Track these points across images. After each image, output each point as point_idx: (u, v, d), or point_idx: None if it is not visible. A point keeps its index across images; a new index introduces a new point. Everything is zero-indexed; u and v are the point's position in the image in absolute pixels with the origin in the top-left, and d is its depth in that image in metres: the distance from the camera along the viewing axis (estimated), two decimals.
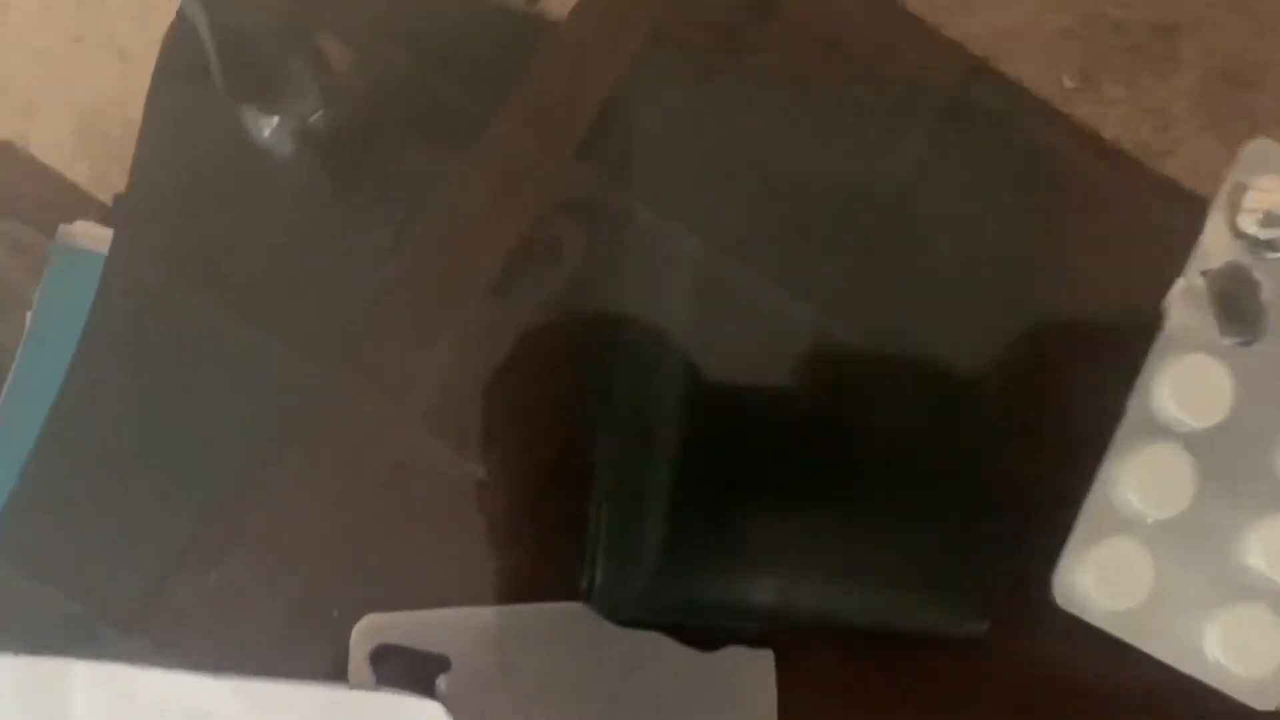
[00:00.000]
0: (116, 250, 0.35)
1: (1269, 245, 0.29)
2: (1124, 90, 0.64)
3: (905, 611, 0.28)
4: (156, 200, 0.33)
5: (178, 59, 0.31)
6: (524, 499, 0.29)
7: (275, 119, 0.29)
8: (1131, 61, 0.68)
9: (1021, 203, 0.30)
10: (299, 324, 0.31)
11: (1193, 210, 0.31)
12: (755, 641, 0.29)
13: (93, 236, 0.50)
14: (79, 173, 0.64)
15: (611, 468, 0.27)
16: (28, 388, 0.50)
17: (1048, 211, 0.30)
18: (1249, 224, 0.29)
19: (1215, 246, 0.30)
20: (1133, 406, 0.30)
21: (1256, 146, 0.30)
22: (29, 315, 0.49)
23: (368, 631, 0.28)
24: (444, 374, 0.30)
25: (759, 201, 0.29)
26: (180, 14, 0.31)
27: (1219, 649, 0.29)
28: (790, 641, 0.29)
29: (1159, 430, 0.29)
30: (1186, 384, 0.29)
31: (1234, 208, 0.30)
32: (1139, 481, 0.29)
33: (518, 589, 0.29)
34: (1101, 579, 0.29)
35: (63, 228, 0.51)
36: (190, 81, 0.30)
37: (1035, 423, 0.29)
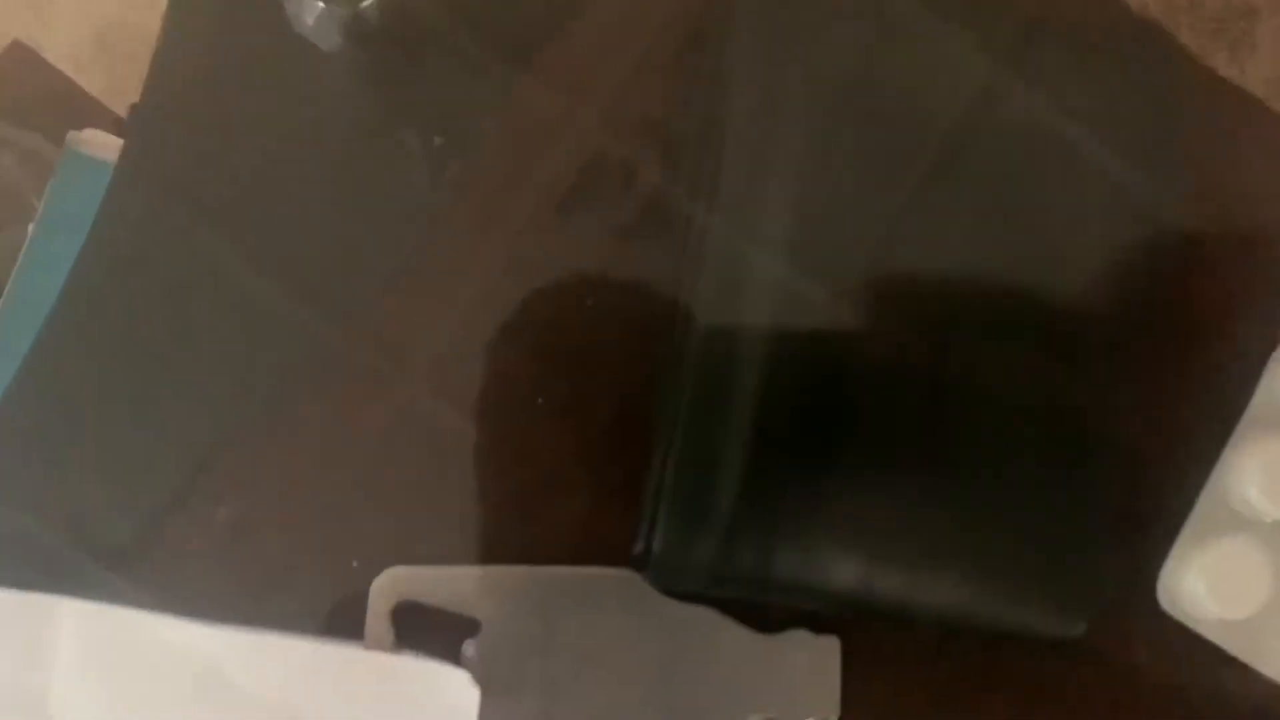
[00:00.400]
0: (124, 166, 0.31)
1: None
2: None
3: (997, 606, 0.24)
4: (174, 109, 0.30)
5: None
6: (574, 452, 0.26)
7: (322, 3, 0.26)
8: (1207, 43, 0.64)
9: (1150, 142, 0.26)
10: (315, 262, 0.28)
11: None
12: (821, 627, 0.25)
13: (103, 145, 0.47)
14: (93, 81, 0.61)
15: (680, 422, 0.24)
16: (26, 298, 0.48)
17: (1174, 152, 0.27)
18: None
19: None
20: (1261, 393, 0.26)
21: None
22: (31, 224, 0.46)
23: (390, 586, 0.25)
24: (479, 314, 0.27)
25: (850, 132, 0.26)
26: None
27: None
28: (860, 630, 0.26)
29: None
30: None
31: None
32: (1261, 476, 0.26)
33: (558, 551, 0.26)
34: (1213, 583, 0.26)
35: (72, 134, 0.47)
36: None
37: (1154, 397, 0.26)
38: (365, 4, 0.26)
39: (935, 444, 0.24)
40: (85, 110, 0.60)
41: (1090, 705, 0.26)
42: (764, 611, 0.26)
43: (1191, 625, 0.26)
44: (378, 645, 0.25)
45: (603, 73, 0.27)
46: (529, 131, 0.27)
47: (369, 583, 0.25)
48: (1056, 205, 0.26)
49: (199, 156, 0.30)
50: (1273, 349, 0.27)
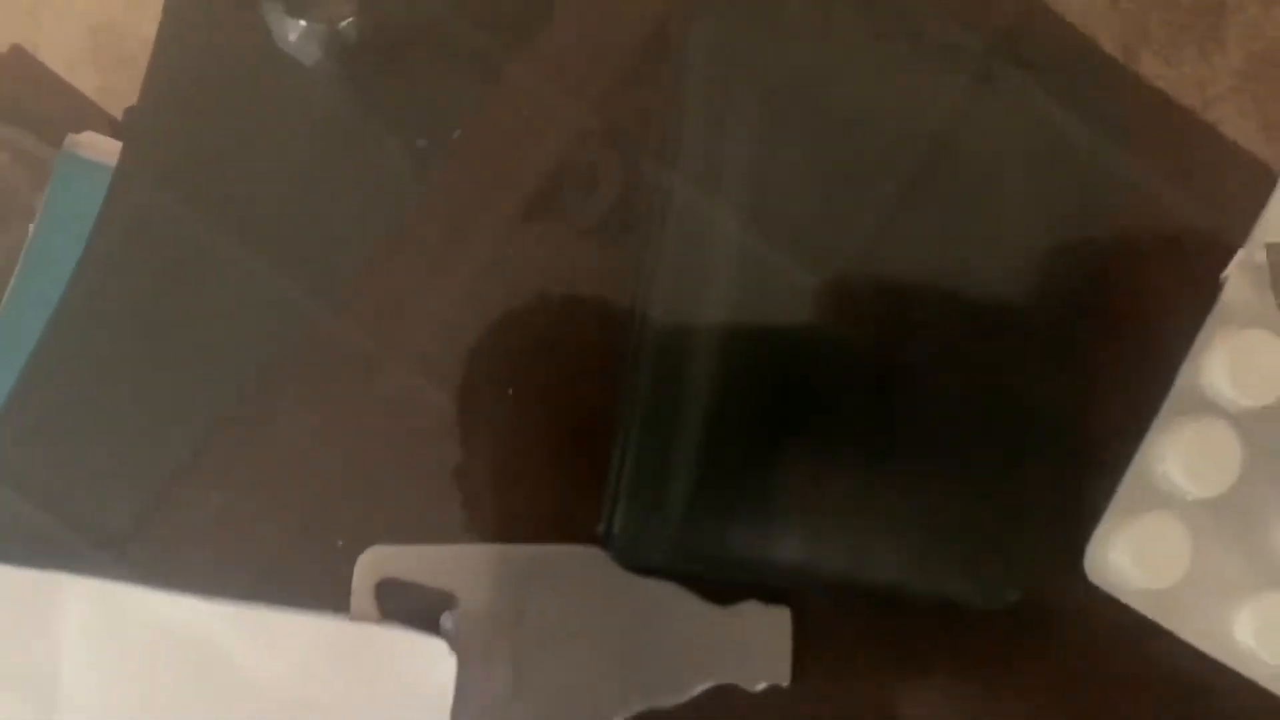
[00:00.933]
0: (124, 164, 0.33)
1: None
2: (1164, 66, 0.63)
3: (934, 579, 0.26)
4: (169, 113, 0.32)
5: None
6: (543, 437, 0.28)
7: (303, 22, 0.28)
8: (1175, 38, 0.66)
9: (1079, 154, 0.28)
10: (304, 254, 0.30)
11: (1254, 180, 0.30)
12: (773, 599, 0.28)
13: (100, 148, 0.49)
14: (87, 83, 0.62)
15: (638, 409, 0.26)
16: (27, 299, 0.49)
17: (1103, 164, 0.29)
18: None
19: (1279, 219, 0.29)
20: (1182, 377, 0.28)
21: None
22: (31, 225, 0.48)
23: (373, 563, 0.27)
24: (457, 307, 0.29)
25: (805, 138, 0.28)
26: None
27: (1251, 636, 0.28)
28: (809, 601, 0.28)
29: (1208, 405, 0.28)
30: (1240, 360, 0.28)
31: None
32: (1183, 457, 0.28)
33: (529, 530, 0.28)
34: (1137, 556, 0.28)
35: (70, 137, 0.49)
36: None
37: (1085, 382, 0.28)
38: (344, 24, 0.27)
39: (880, 427, 0.26)
40: (80, 111, 0.61)
41: (1023, 672, 0.28)
42: (720, 585, 0.28)
43: (1117, 595, 0.28)
44: (363, 618, 0.27)
45: (570, 83, 0.29)
46: (500, 137, 0.29)
47: (354, 561, 0.27)
48: (995, 205, 0.28)
49: (193, 156, 0.32)
50: (1193, 340, 0.29)
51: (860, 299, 0.26)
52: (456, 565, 0.27)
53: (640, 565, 0.27)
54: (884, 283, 0.28)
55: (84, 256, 0.34)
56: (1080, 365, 0.28)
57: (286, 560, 0.28)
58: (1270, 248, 0.28)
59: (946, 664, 0.28)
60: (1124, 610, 0.28)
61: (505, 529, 0.28)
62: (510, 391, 0.28)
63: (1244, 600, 0.28)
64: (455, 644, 0.26)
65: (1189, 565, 0.28)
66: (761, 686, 0.27)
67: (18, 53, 0.61)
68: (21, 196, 0.49)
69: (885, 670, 0.28)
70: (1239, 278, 0.28)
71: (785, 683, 0.27)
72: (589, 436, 0.28)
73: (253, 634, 0.27)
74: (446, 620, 0.27)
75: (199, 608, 0.27)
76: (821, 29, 0.28)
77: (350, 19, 0.28)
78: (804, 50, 0.28)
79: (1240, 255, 0.28)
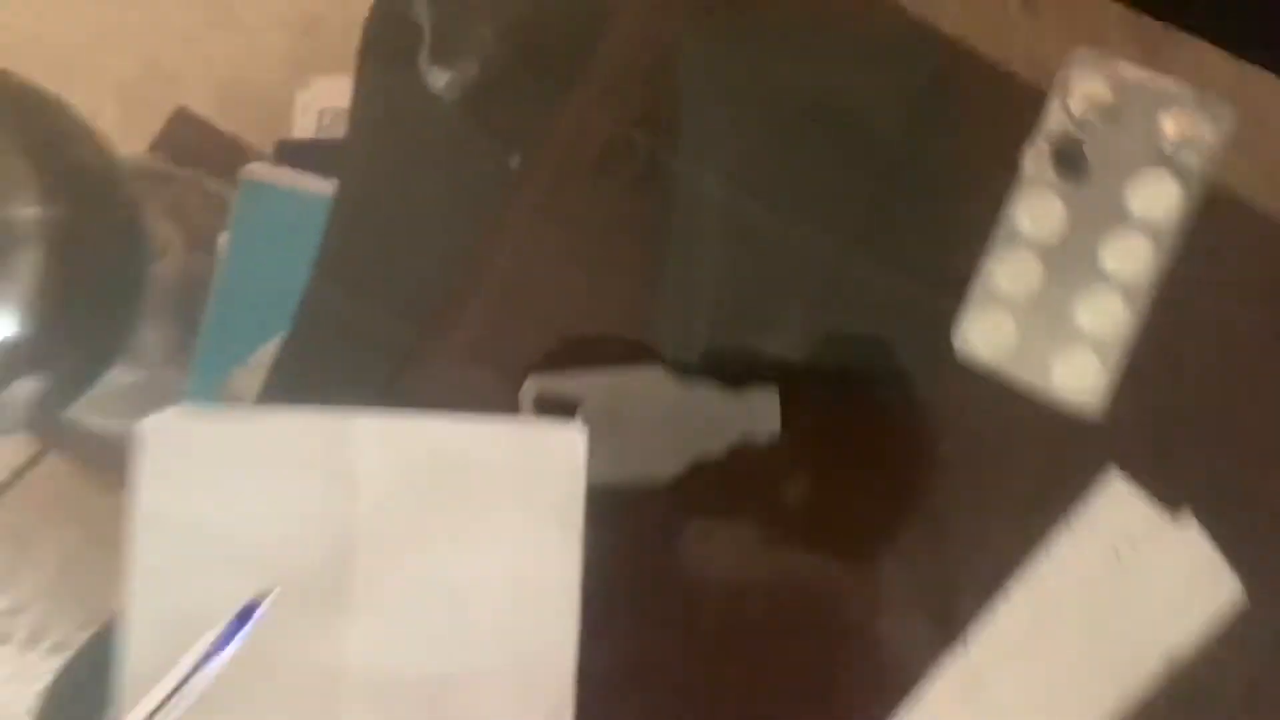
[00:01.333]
0: (342, 186, 0.52)
1: (1085, 122, 0.45)
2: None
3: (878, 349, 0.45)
4: (366, 146, 0.51)
5: (379, 37, 0.48)
6: (617, 308, 0.47)
7: (448, 75, 0.46)
8: None
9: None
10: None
11: (1039, 100, 0.47)
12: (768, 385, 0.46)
13: (267, 173, 0.68)
14: (228, 127, 0.82)
15: (676, 263, 0.45)
16: (226, 301, 0.69)
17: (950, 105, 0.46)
18: (1075, 107, 0.45)
19: (1055, 121, 0.46)
20: (1003, 222, 0.46)
21: (1080, 53, 0.46)
22: (221, 237, 0.66)
23: (532, 387, 0.46)
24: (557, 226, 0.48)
25: (765, 123, 0.46)
26: (379, 4, 0.47)
27: (1059, 381, 0.46)
28: (799, 390, 0.46)
29: (1021, 241, 0.46)
30: (1037, 211, 0.46)
31: (1065, 95, 0.46)
32: (1007, 274, 0.46)
33: (618, 356, 0.47)
34: (984, 337, 0.46)
35: (246, 168, 0.69)
36: (389, 56, 0.48)
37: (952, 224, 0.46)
38: (470, 76, 0.46)
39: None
40: (226, 149, 0.80)
41: (911, 440, 0.47)
42: (735, 380, 0.46)
43: (976, 364, 0.46)
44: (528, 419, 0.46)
45: (610, 91, 0.47)
46: (569, 129, 0.48)
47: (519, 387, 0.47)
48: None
49: (378, 168, 0.51)
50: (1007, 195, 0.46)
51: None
52: (578, 386, 0.46)
53: (686, 372, 0.45)
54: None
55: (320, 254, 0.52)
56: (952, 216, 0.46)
57: (490, 393, 0.47)
58: (1049, 138, 0.45)
59: (876, 429, 0.47)
60: (991, 382, 0.46)
61: (604, 359, 0.47)
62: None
63: (1055, 359, 0.46)
64: (583, 431, 0.45)
65: (1018, 340, 0.46)
66: (765, 439, 0.46)
67: (184, 113, 0.81)
68: (209, 225, 0.67)
69: (840, 430, 0.47)
70: (1032, 158, 0.46)
71: (776, 430, 0.46)
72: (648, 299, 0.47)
73: (486, 434, 0.45)
74: (578, 416, 0.46)
75: (450, 426, 0.45)
76: (781, 49, 0.46)
77: (475, 72, 0.46)
78: (768, 63, 0.46)
79: (1031, 145, 0.46)
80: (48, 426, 0.71)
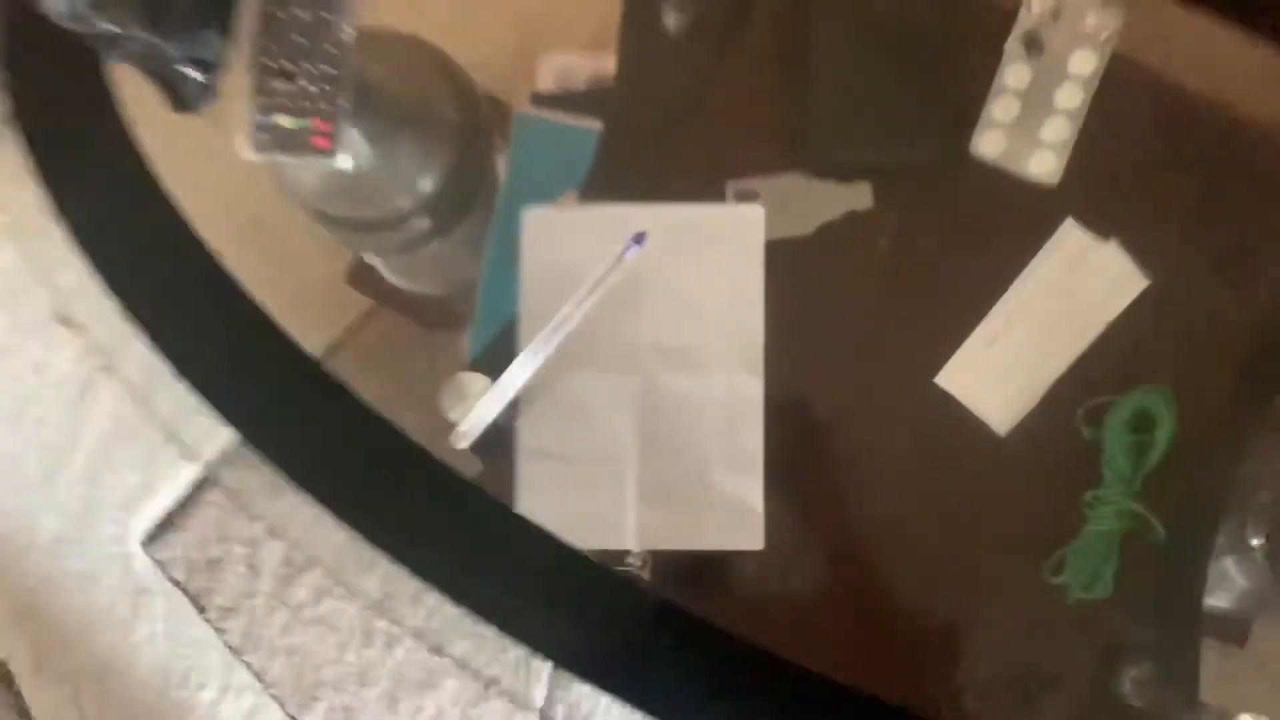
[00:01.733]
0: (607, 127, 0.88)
1: (1041, 20, 0.80)
2: None
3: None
4: (627, 89, 0.87)
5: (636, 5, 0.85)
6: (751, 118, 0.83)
7: (674, 15, 0.83)
8: None
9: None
10: None
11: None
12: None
13: (535, 114, 1.02)
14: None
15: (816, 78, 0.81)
16: (507, 215, 1.02)
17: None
18: (1036, 10, 0.80)
19: (1024, 20, 0.81)
20: (997, 81, 0.81)
21: None
22: (499, 163, 1.01)
23: (731, 186, 0.82)
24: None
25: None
26: None
27: (1033, 168, 0.80)
28: (879, 181, 0.81)
29: (1009, 90, 0.80)
30: (1017, 74, 0.80)
31: (1029, 6, 0.80)
32: (999, 109, 0.80)
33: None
34: (987, 146, 0.80)
35: (519, 110, 1.03)
36: (644, 20, 0.85)
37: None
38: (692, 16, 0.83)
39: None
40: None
41: (944, 209, 0.81)
42: (846, 177, 0.81)
43: (989, 161, 0.80)
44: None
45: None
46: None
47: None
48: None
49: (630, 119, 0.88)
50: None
51: None
52: (763, 184, 0.82)
53: (825, 162, 0.81)
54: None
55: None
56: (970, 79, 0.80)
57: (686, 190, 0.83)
58: (1023, 36, 0.80)
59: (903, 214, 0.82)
60: (1001, 173, 0.80)
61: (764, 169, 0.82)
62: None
63: (1028, 156, 0.80)
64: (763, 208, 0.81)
65: (1006, 146, 0.80)
66: (863, 210, 0.81)
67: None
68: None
69: (902, 201, 0.81)
70: (1010, 42, 0.81)
71: (870, 205, 0.81)
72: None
73: (703, 215, 0.81)
74: (759, 202, 0.81)
75: (683, 209, 0.82)
76: None
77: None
78: None
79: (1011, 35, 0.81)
80: (376, 288, 1.05)
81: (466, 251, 0.89)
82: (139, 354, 0.79)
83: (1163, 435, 0.75)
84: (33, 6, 0.61)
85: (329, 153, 0.64)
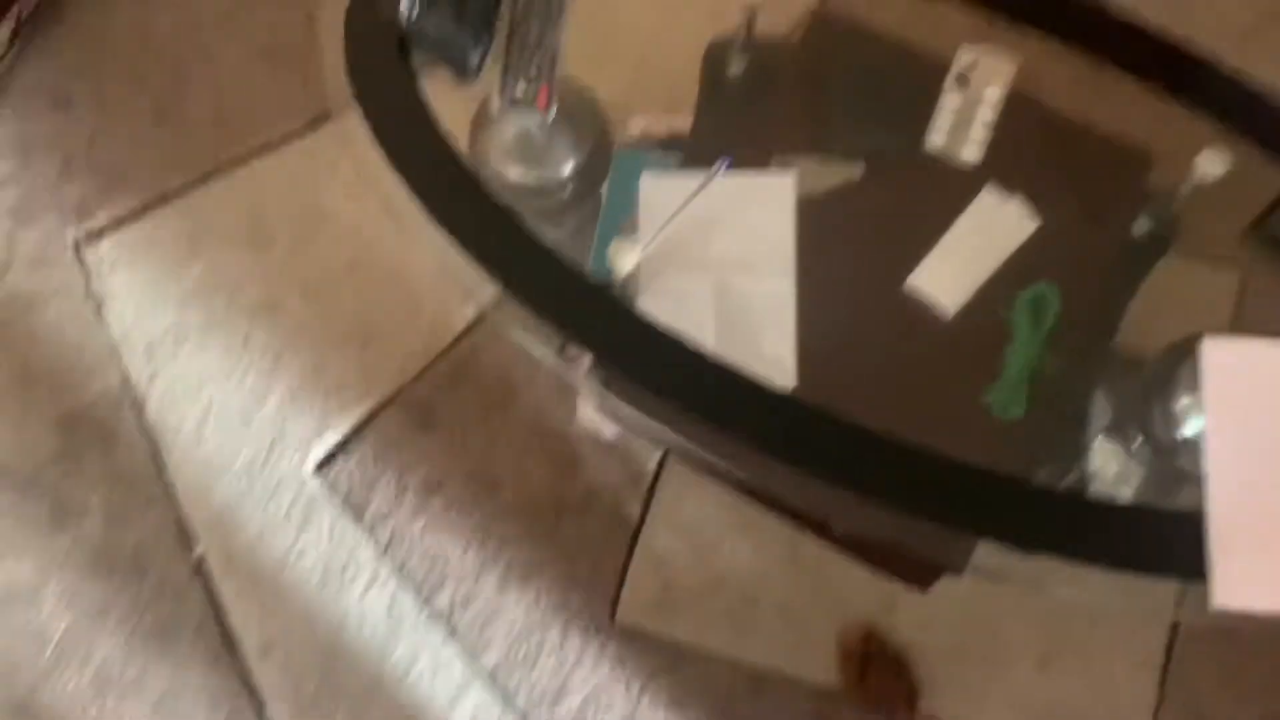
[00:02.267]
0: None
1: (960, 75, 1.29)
2: None
3: None
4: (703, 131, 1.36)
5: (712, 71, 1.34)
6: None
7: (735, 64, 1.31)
8: None
9: None
10: None
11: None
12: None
13: (630, 150, 1.51)
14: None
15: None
16: (611, 215, 1.48)
17: None
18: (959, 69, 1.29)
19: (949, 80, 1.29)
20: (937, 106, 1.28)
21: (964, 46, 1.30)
22: (604, 188, 1.50)
23: (778, 160, 1.28)
24: None
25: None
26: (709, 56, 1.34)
27: (965, 155, 1.26)
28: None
29: (944, 111, 1.27)
30: (950, 104, 1.28)
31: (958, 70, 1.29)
32: (940, 128, 1.27)
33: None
34: (939, 139, 1.27)
35: (618, 144, 1.53)
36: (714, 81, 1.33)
37: None
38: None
39: None
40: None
41: (910, 188, 1.27)
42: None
43: (939, 152, 1.26)
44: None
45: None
46: None
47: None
48: None
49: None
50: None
51: None
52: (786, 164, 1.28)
53: (834, 146, 1.27)
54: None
55: None
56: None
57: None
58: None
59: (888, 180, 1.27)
60: (939, 160, 1.27)
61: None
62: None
63: (966, 139, 1.26)
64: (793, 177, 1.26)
65: (948, 141, 1.27)
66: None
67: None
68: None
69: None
70: (948, 83, 1.28)
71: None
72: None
73: (745, 184, 1.27)
74: (789, 175, 1.27)
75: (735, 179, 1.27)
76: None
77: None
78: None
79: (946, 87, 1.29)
80: None
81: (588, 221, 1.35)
82: None
83: (1051, 311, 1.18)
84: (377, 13, 1.10)
85: (547, 110, 1.11)
